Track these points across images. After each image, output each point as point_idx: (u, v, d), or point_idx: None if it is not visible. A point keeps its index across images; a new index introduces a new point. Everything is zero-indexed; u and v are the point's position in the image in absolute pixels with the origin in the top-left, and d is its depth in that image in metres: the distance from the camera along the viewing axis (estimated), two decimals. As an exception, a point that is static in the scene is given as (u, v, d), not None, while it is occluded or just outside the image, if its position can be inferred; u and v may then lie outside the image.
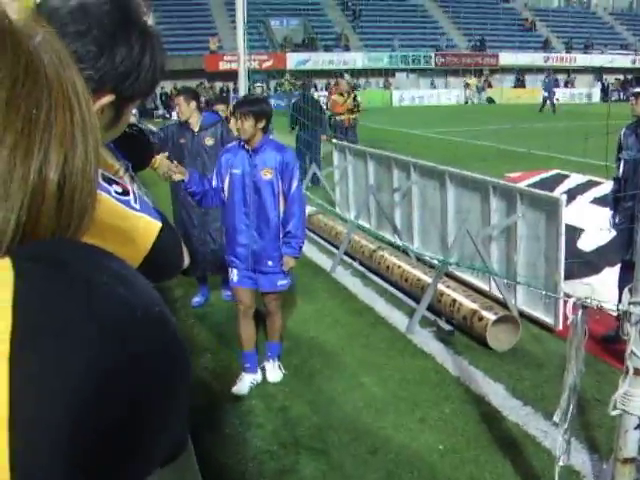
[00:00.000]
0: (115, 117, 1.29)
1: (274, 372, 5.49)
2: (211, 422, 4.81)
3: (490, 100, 46.27)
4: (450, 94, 46.86)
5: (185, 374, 0.63)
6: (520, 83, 48.81)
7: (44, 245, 0.61)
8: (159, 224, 1.33)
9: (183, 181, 4.89)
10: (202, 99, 9.96)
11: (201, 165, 6.59)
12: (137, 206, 1.28)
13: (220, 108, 8.43)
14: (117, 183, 1.28)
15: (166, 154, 4.94)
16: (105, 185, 1.23)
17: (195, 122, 6.79)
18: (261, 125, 4.95)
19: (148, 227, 1.30)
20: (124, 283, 0.59)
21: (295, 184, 5.08)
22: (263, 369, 5.51)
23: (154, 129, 6.78)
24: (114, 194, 1.25)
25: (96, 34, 1.21)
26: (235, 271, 5.22)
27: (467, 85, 47.29)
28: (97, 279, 0.58)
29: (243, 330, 5.34)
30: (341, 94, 15.99)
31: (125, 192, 1.28)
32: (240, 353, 5.46)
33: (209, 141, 6.76)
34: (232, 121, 5.03)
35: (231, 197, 5.09)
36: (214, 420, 4.85)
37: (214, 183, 5.08)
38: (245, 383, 5.33)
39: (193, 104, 6.78)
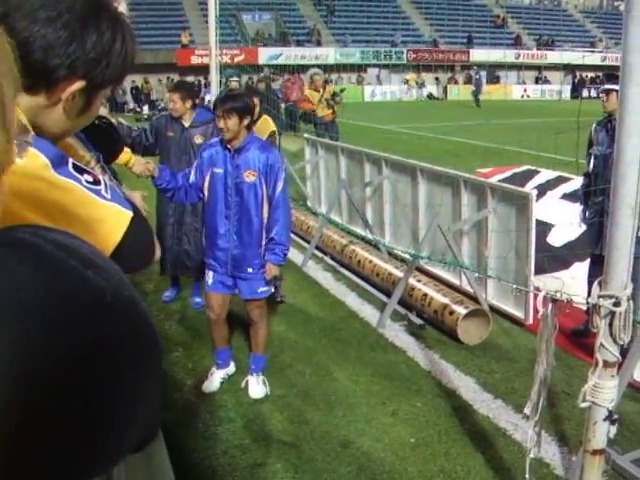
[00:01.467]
0: (86, 104, 1.28)
1: (258, 387, 5.14)
2: (182, 417, 4.78)
3: (430, 96, 46.42)
4: (421, 90, 46.99)
5: (155, 357, 0.63)
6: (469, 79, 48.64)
7: (9, 230, 0.60)
8: (130, 214, 1.32)
9: (153, 177, 4.65)
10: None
11: (186, 162, 6.16)
12: (108, 195, 1.28)
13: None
14: (88, 172, 1.27)
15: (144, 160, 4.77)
16: (76, 174, 1.23)
17: (188, 118, 6.52)
18: (246, 122, 4.65)
19: (119, 216, 1.30)
20: (93, 267, 0.59)
21: (280, 187, 4.75)
22: (246, 384, 5.19)
23: (125, 124, 6.60)
24: (85, 183, 1.24)
25: (67, 20, 1.21)
26: (211, 274, 4.96)
27: (406, 81, 46.73)
28: (65, 263, 0.57)
29: (216, 333, 5.19)
30: (316, 90, 16.01)
31: (96, 181, 1.27)
32: (214, 350, 5.35)
33: (198, 139, 6.39)
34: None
35: (212, 198, 4.80)
36: (185, 415, 4.82)
37: (192, 178, 4.80)
38: (216, 379, 5.22)
39: (189, 103, 6.46)
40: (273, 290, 5.11)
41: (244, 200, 4.73)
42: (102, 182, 1.29)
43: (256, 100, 7.79)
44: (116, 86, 1.37)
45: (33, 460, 0.52)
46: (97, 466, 0.58)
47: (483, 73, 43.37)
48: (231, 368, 5.35)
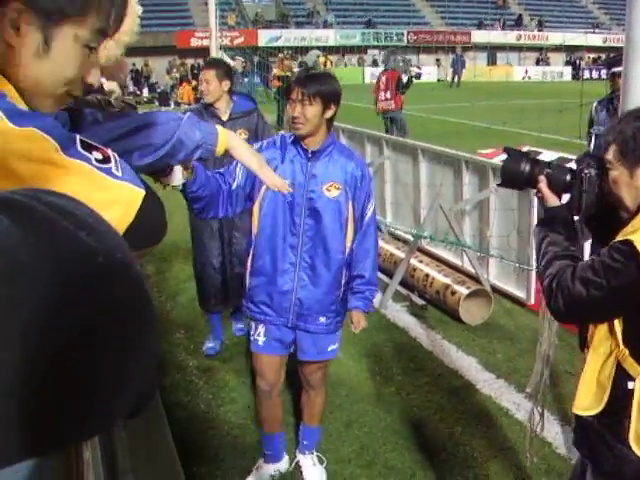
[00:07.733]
0: (44, 42, 1.14)
1: (314, 470, 3.97)
2: (185, 398, 4.79)
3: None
4: (422, 71, 46.57)
5: (147, 321, 0.62)
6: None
7: (5, 192, 0.60)
8: (142, 192, 1.28)
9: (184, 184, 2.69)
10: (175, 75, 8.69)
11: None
12: (119, 173, 1.23)
13: None
14: (97, 149, 1.22)
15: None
16: (85, 153, 1.17)
17: (224, 108, 5.13)
18: (329, 114, 3.34)
19: (131, 196, 1.25)
20: (87, 229, 0.58)
21: (371, 208, 3.54)
22: (297, 465, 4.06)
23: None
24: (95, 162, 1.19)
25: None
26: (262, 329, 3.61)
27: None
28: (57, 224, 0.57)
29: (267, 410, 3.91)
30: (283, 70, 16.64)
31: (106, 158, 1.22)
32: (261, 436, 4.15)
33: (242, 134, 4.99)
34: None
35: (271, 219, 3.42)
36: (187, 397, 4.83)
37: (236, 183, 3.24)
38: (263, 476, 3.96)
39: (226, 84, 5.08)
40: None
41: (321, 223, 3.42)
42: (112, 158, 1.24)
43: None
44: (81, 16, 1.19)
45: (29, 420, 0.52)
46: (90, 425, 0.58)
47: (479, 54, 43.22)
48: (284, 463, 4.06)
